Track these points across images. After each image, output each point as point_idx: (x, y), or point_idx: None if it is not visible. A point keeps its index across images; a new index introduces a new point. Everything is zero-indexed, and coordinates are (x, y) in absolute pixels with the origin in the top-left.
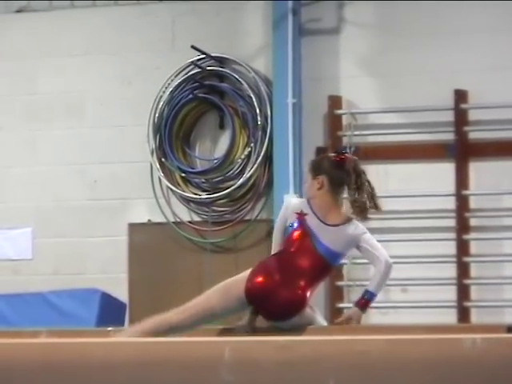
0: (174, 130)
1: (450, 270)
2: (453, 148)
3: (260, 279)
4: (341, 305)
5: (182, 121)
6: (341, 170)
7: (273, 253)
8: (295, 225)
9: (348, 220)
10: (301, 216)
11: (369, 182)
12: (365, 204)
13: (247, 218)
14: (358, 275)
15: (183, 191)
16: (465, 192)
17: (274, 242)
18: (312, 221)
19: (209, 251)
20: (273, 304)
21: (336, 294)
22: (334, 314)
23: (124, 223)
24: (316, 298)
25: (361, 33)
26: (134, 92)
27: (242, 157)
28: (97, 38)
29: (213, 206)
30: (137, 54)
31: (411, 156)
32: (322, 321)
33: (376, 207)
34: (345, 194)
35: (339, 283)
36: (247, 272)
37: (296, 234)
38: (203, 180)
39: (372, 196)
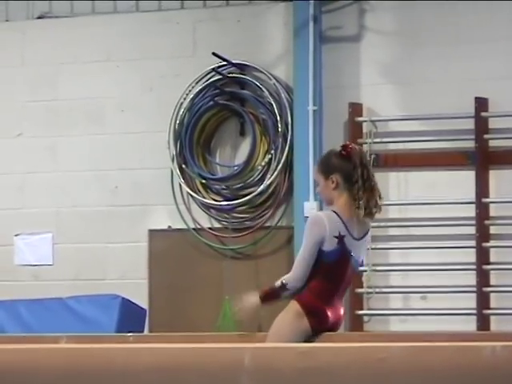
0: (195, 137)
1: (470, 278)
2: (473, 156)
3: (328, 315)
4: (360, 312)
5: (202, 127)
6: (350, 163)
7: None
8: (335, 252)
9: (368, 225)
10: (340, 239)
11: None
12: (376, 204)
13: (267, 224)
14: (377, 282)
15: (203, 198)
16: (485, 200)
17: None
18: (348, 241)
19: (229, 258)
20: (335, 327)
21: (356, 302)
22: (354, 321)
23: (144, 229)
24: None
25: (381, 40)
26: (155, 98)
27: (263, 164)
28: (118, 45)
29: (233, 212)
30: (158, 60)
31: (431, 164)
32: None
33: (380, 208)
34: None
35: (359, 290)
36: (294, 310)
37: (340, 263)
38: (223, 187)
39: (379, 194)
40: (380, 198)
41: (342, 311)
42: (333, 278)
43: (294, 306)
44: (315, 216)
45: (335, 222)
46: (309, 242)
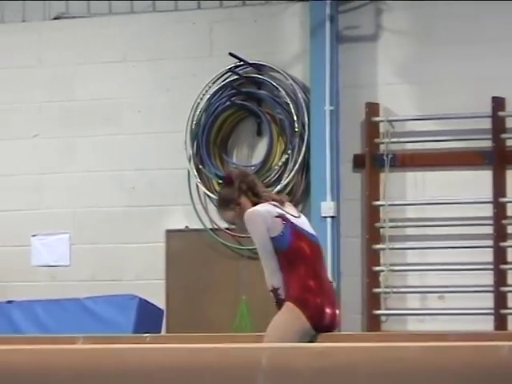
0: (212, 137)
1: (487, 278)
2: (490, 155)
3: (328, 311)
4: (378, 312)
5: (219, 128)
6: (233, 186)
7: (271, 279)
8: (285, 233)
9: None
10: (283, 218)
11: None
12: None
13: None
14: (394, 282)
15: None
16: (502, 199)
17: (270, 266)
18: (290, 218)
19: (246, 258)
20: (336, 322)
21: (373, 302)
22: (371, 321)
23: (161, 230)
24: (353, 305)
25: (398, 40)
26: (172, 99)
27: (280, 164)
28: (135, 45)
29: None
30: (174, 60)
31: (448, 163)
32: None
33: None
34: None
35: (376, 290)
36: (292, 311)
37: (296, 242)
38: None
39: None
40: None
41: (333, 291)
42: (303, 260)
43: (287, 306)
44: (248, 212)
45: (269, 206)
46: (257, 238)
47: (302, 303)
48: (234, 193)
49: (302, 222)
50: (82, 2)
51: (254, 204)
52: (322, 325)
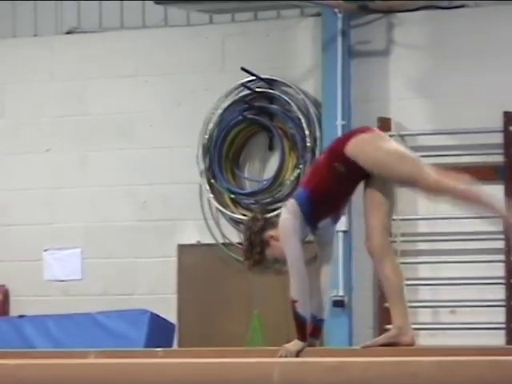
0: (224, 151)
1: (499, 292)
2: (502, 170)
3: None
4: (389, 326)
5: (231, 142)
6: (256, 228)
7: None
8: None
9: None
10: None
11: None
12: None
13: None
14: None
15: (232, 212)
16: None
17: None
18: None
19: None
20: None
21: (385, 316)
22: (383, 315)
23: (173, 244)
24: (365, 319)
25: (410, 54)
26: (184, 113)
27: (292, 178)
28: (147, 59)
29: None
30: (186, 75)
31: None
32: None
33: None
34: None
35: (388, 305)
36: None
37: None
38: (252, 201)
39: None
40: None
41: None
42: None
43: (357, 139)
44: (282, 224)
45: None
46: (289, 249)
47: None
48: (259, 230)
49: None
50: (94, 16)
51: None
52: None
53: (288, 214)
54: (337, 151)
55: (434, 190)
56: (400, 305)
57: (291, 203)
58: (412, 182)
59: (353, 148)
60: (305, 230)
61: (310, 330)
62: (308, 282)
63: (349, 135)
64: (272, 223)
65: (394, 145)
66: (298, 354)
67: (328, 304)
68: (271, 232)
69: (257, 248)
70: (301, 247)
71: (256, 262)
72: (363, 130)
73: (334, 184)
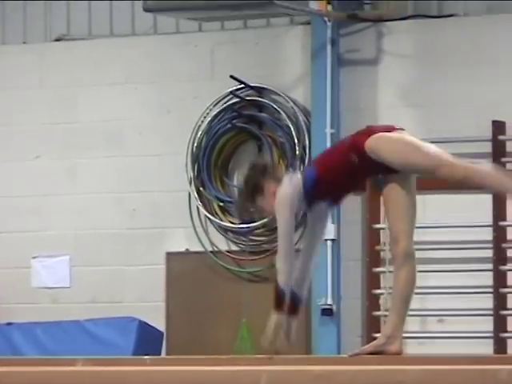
0: (213, 160)
1: (487, 301)
2: None
3: None
4: (378, 334)
5: (220, 150)
6: (261, 169)
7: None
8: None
9: None
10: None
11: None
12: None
13: None
14: None
15: (221, 220)
16: (502, 223)
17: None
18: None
19: (246, 280)
20: None
21: (373, 324)
22: (371, 324)
23: (162, 252)
24: (353, 327)
25: (399, 62)
26: (173, 121)
27: None
28: (136, 67)
29: (250, 235)
30: (176, 83)
31: (449, 187)
32: None
33: None
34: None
35: (376, 313)
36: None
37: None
38: None
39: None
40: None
41: None
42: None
43: (374, 139)
44: (282, 194)
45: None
46: (281, 219)
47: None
48: (258, 179)
49: None
50: (84, 23)
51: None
52: None
53: (290, 185)
54: (358, 144)
55: (458, 178)
56: (398, 314)
57: (296, 177)
58: (433, 171)
59: (373, 144)
60: (300, 205)
61: (288, 307)
62: (293, 256)
63: (373, 130)
64: (274, 176)
65: (413, 138)
66: (277, 329)
67: (309, 283)
68: (270, 184)
69: (249, 188)
70: (293, 220)
71: (245, 200)
72: (388, 128)
73: (344, 174)
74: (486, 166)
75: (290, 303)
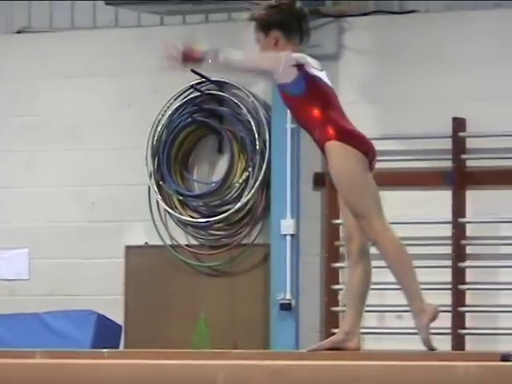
0: (173, 154)
1: (446, 298)
2: (450, 176)
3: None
4: (336, 330)
5: (180, 144)
6: (291, 16)
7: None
8: (299, 81)
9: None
10: (300, 67)
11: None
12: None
13: (244, 242)
14: None
15: (180, 214)
16: (461, 220)
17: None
18: (309, 68)
19: (205, 275)
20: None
21: (331, 320)
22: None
23: (121, 245)
24: (312, 322)
25: (360, 59)
26: (133, 115)
27: (240, 181)
28: (96, 60)
29: (210, 229)
30: (136, 76)
31: (408, 183)
32: None
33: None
34: None
35: (334, 309)
36: (337, 148)
37: (313, 84)
38: (201, 203)
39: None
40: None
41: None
42: (323, 103)
43: (332, 146)
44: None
45: (291, 55)
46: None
47: (345, 137)
48: (282, 23)
49: (321, 74)
50: (45, 16)
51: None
52: (368, 151)
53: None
54: (325, 131)
55: (370, 238)
56: (356, 310)
57: (293, 69)
58: (357, 217)
59: (329, 151)
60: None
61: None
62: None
63: (343, 133)
64: (290, 38)
65: (361, 176)
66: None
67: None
68: (280, 37)
69: (268, 18)
70: (279, 66)
71: (260, 20)
72: (356, 140)
73: (304, 121)
74: (400, 246)
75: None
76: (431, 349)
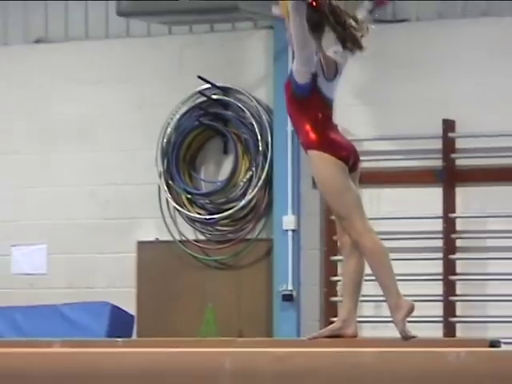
0: (181, 155)
1: (437, 288)
2: (441, 174)
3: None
4: (334, 319)
5: (188, 146)
6: (318, 14)
7: None
8: (306, 87)
9: (342, 65)
10: (314, 77)
11: (352, 16)
12: (353, 35)
13: (248, 237)
14: None
15: (189, 211)
16: (452, 215)
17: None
18: (320, 80)
19: (212, 268)
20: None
21: (330, 309)
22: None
23: (133, 241)
24: (312, 312)
25: (356, 64)
26: (144, 118)
27: (244, 180)
28: (110, 67)
29: (216, 225)
30: (146, 82)
31: (402, 181)
32: None
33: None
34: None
35: (333, 299)
36: (318, 158)
37: (311, 98)
38: (207, 201)
39: (356, 29)
40: (360, 30)
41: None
42: (316, 111)
43: (313, 156)
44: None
45: (316, 60)
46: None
47: (325, 147)
48: (310, 19)
49: (329, 86)
50: (60, 27)
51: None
52: (348, 156)
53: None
54: (309, 137)
55: (352, 238)
56: (351, 300)
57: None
58: (340, 218)
59: (311, 156)
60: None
61: None
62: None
63: (328, 141)
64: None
65: (340, 180)
66: None
67: None
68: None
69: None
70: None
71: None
72: (338, 147)
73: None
74: (379, 247)
75: None
76: (409, 338)
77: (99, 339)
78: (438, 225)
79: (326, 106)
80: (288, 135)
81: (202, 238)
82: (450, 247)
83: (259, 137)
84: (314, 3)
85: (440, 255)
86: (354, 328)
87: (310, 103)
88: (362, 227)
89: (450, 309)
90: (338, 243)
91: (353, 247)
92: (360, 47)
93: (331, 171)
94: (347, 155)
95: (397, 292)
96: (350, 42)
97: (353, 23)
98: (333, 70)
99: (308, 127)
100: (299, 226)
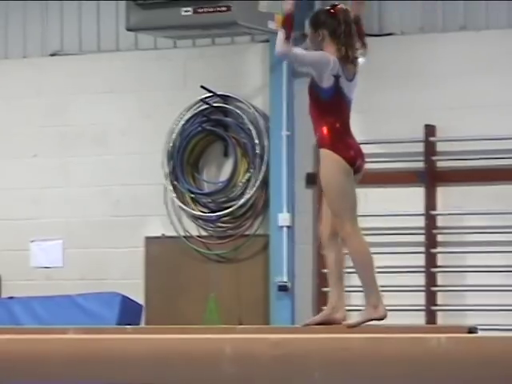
0: (185, 158)
1: (420, 279)
2: (422, 175)
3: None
4: (324, 307)
5: (191, 149)
6: (335, 20)
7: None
8: (331, 90)
9: (356, 68)
10: (337, 79)
11: (359, 26)
12: (352, 46)
13: (247, 233)
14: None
15: (192, 210)
16: (433, 212)
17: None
18: (342, 81)
19: (214, 261)
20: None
21: (322, 299)
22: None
23: (141, 237)
24: (305, 301)
25: None
26: (151, 125)
27: (243, 181)
28: (119, 78)
29: (218, 222)
30: (154, 91)
31: (387, 181)
32: None
33: (364, 45)
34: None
35: (324, 289)
36: (327, 157)
37: (336, 100)
38: (209, 200)
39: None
40: (363, 45)
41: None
42: (336, 114)
43: (324, 154)
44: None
45: (336, 62)
46: (318, 54)
47: (336, 148)
48: (328, 25)
49: (349, 85)
50: (75, 41)
51: (327, 49)
52: (356, 159)
53: (333, 61)
54: (323, 136)
55: (341, 236)
56: (337, 288)
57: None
58: (336, 217)
59: (322, 157)
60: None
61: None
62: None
63: (335, 144)
64: (337, 38)
65: (343, 183)
66: None
67: None
68: (322, 31)
69: (318, 19)
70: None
71: (311, 20)
72: (351, 151)
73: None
74: (364, 248)
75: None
76: (351, 327)
77: (110, 326)
78: (421, 221)
79: (346, 107)
80: (283, 139)
81: (204, 233)
82: (431, 242)
83: (257, 141)
84: (332, 10)
85: (422, 249)
86: (342, 313)
87: (333, 105)
88: (351, 229)
89: (431, 298)
90: (319, 230)
91: (331, 238)
92: (353, 58)
93: (337, 173)
94: (355, 157)
95: (377, 293)
96: (349, 50)
97: (355, 40)
98: (353, 70)
99: (325, 129)
100: (293, 223)
